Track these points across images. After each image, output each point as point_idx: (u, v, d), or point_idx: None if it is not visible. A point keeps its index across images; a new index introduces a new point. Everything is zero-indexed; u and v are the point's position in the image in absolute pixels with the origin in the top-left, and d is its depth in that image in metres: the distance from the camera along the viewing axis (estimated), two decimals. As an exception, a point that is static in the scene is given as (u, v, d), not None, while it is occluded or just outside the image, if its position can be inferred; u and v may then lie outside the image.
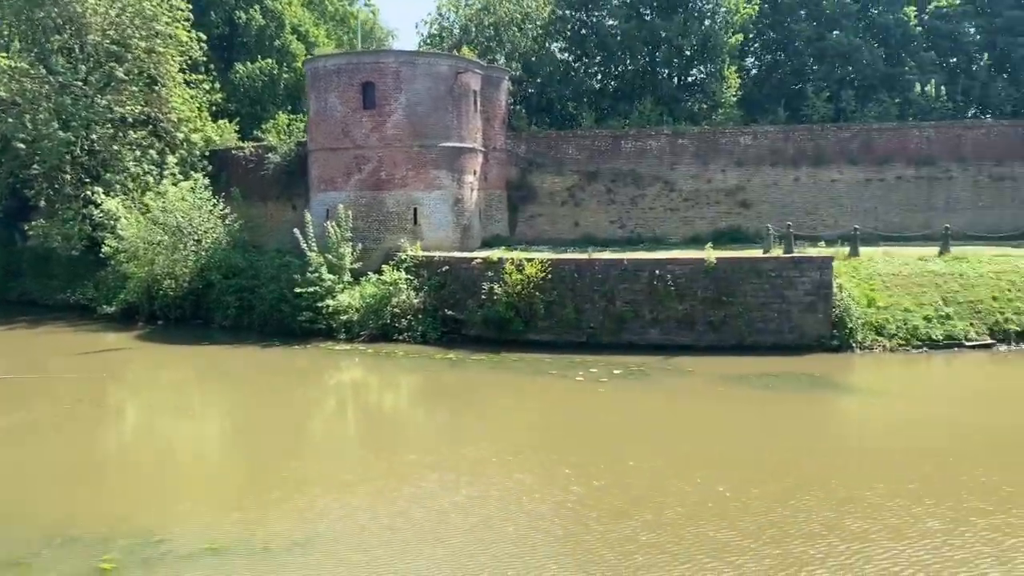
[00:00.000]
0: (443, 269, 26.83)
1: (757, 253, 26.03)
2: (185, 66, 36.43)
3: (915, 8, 35.25)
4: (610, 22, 37.70)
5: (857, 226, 28.14)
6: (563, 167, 34.46)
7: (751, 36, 38.72)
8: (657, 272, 24.30)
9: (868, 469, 13.80)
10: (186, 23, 36.01)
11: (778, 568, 10.11)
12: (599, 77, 38.08)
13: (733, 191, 34.46)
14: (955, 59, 35.49)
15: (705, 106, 36.87)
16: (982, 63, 36.18)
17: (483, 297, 25.26)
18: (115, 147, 33.57)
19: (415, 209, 29.77)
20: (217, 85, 38.76)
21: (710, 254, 24.48)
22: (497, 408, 19.50)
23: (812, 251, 25.68)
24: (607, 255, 26.61)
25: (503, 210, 34.24)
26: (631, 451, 14.87)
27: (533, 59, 37.05)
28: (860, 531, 11.14)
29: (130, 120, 34.00)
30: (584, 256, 25.97)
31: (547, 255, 26.98)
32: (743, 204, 34.35)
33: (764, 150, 34.22)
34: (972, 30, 36.07)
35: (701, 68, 36.66)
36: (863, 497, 12.33)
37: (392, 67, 29.58)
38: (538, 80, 36.59)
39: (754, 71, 39.03)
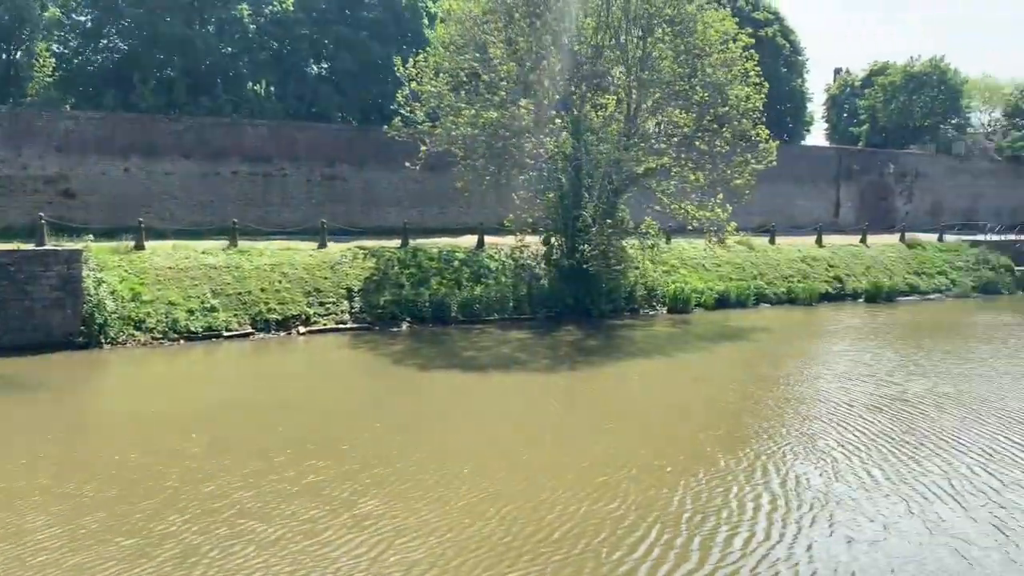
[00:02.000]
0: None
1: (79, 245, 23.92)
2: None
3: (249, 9, 36.35)
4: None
5: (142, 219, 27.72)
6: None
7: (99, 17, 36.30)
8: None
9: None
10: None
11: None
12: None
13: (55, 179, 31.87)
14: (290, 63, 37.54)
15: (22, 85, 33.59)
16: (313, 70, 39.01)
17: None
18: None
19: None
20: None
21: (-71, 247, 21.70)
22: None
23: (68, 245, 24.39)
24: None
25: None
26: None
27: None
28: None
29: None
30: None
31: None
32: (67, 194, 31.96)
33: (89, 137, 32.24)
34: (312, 37, 38.38)
35: (18, 44, 33.28)
36: None
37: None
38: None
39: (104, 55, 36.66)
